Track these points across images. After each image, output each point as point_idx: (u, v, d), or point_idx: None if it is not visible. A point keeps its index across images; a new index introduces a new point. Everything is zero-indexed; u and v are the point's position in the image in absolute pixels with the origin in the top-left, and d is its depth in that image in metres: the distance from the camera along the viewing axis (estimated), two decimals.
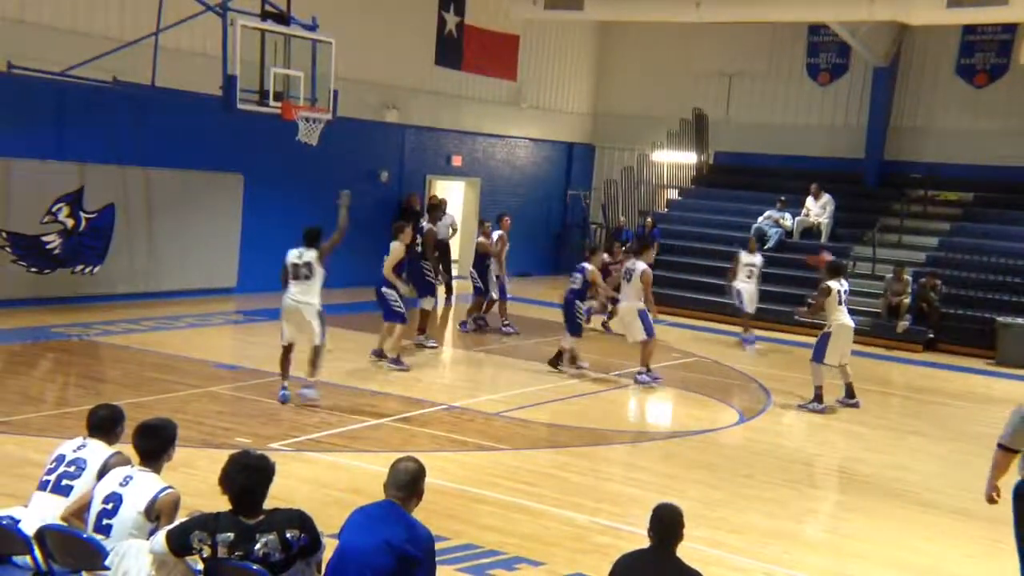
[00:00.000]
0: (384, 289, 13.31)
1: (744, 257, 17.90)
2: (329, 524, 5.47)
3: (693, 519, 5.23)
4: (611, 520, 8.27)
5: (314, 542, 4.98)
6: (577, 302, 13.91)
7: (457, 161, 23.33)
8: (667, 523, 5.12)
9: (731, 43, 24.63)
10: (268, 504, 4.99)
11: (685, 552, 5.14)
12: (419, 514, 5.15)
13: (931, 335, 18.75)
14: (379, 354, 13.57)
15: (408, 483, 5.09)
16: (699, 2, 19.33)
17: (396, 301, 13.30)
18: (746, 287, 17.73)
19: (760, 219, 22.07)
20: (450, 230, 19.84)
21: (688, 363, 15.68)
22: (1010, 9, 17.41)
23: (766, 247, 21.64)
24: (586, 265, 14.20)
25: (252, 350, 14.06)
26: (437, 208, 18.32)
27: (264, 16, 14.26)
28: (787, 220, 22.05)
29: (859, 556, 8.06)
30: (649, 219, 23.16)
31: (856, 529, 8.72)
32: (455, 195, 24.09)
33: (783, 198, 22.34)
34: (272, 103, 14.14)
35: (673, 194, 25.78)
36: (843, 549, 8.19)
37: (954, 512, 9.34)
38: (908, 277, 19.22)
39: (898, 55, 23.13)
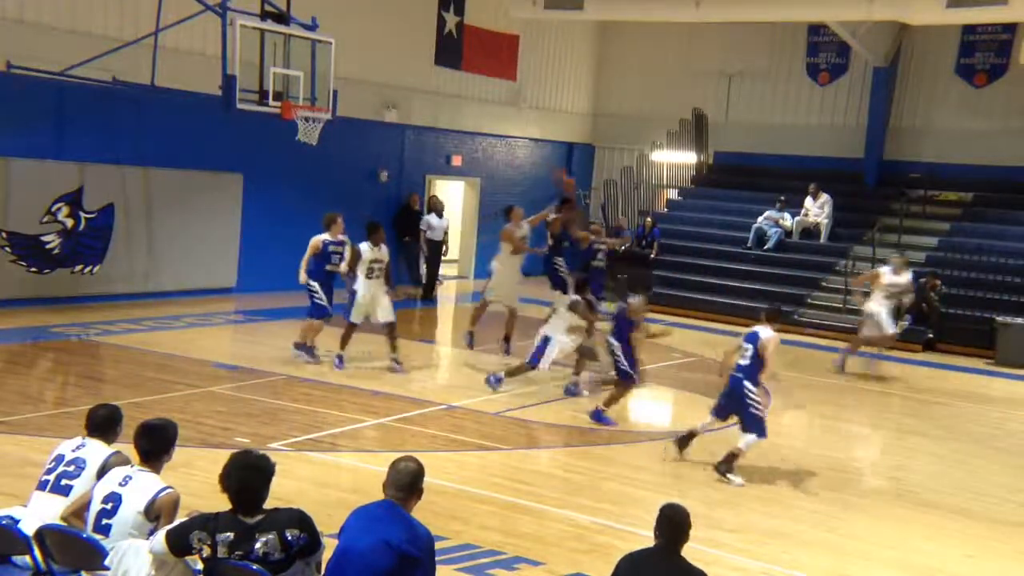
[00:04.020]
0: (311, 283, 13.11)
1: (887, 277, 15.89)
2: (329, 524, 5.47)
3: (693, 519, 5.23)
4: (611, 520, 8.26)
5: (314, 542, 4.97)
6: (747, 384, 9.79)
7: (457, 161, 23.33)
8: (675, 523, 5.12)
9: (731, 43, 24.63)
10: (268, 504, 4.98)
11: (684, 552, 5.14)
12: (419, 514, 5.15)
13: (931, 335, 18.75)
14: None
15: (408, 483, 5.08)
16: (699, 2, 19.31)
17: (318, 294, 13.12)
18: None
19: (760, 219, 22.09)
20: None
21: (689, 363, 15.67)
22: (1010, 9, 17.39)
23: (765, 247, 21.69)
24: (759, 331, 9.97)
25: (252, 350, 14.07)
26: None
27: (264, 16, 14.26)
28: (787, 220, 22.06)
29: (859, 556, 8.06)
30: (649, 219, 23.18)
31: (856, 529, 8.71)
32: (455, 195, 24.11)
33: (783, 198, 22.35)
34: (272, 103, 14.14)
35: (673, 194, 25.78)
36: (843, 549, 8.19)
37: (954, 512, 9.35)
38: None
39: (898, 55, 23.14)
